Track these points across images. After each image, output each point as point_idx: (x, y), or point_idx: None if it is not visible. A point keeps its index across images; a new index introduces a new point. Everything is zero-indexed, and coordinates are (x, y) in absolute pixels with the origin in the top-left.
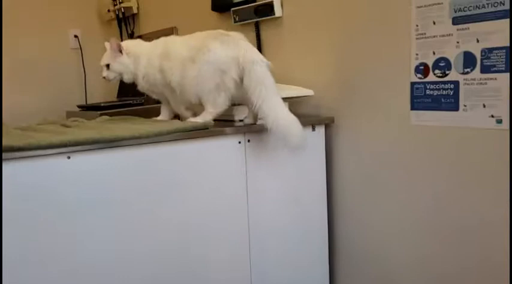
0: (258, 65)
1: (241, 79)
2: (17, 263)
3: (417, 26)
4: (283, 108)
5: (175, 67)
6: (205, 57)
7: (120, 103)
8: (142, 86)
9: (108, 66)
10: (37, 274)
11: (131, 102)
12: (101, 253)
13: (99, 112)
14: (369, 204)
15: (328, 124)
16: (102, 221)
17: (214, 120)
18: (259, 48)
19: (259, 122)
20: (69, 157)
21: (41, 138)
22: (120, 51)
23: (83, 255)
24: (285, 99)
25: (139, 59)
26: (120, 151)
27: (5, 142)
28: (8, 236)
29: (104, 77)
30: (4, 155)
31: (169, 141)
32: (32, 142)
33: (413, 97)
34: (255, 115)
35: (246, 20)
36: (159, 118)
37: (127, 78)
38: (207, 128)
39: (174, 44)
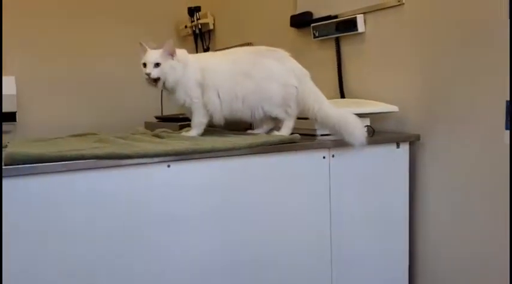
0: (307, 75)
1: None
2: (122, 264)
3: None
4: (341, 109)
5: (220, 79)
6: (262, 75)
7: None
8: (179, 96)
9: (157, 64)
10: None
11: None
12: (194, 253)
13: (178, 123)
14: (454, 227)
15: (413, 141)
16: (197, 225)
17: (299, 134)
18: (339, 64)
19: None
20: (169, 166)
21: (147, 147)
22: (172, 55)
23: (185, 255)
24: (368, 114)
25: (187, 67)
26: (214, 162)
27: (111, 150)
28: (114, 238)
29: (148, 74)
30: (113, 162)
31: (257, 153)
32: (138, 151)
33: (508, 117)
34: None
35: (326, 36)
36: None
37: (168, 85)
38: (295, 142)
39: (213, 58)
